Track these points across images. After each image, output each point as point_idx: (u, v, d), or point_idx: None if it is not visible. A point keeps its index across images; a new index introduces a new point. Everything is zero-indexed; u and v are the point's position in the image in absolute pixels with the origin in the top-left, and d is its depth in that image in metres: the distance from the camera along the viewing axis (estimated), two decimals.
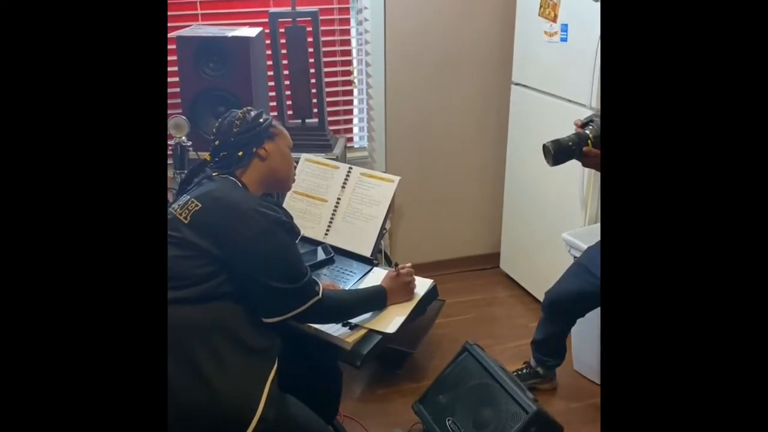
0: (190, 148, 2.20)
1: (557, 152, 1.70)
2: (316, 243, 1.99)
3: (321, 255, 1.93)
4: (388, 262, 2.87)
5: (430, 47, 2.90)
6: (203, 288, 1.42)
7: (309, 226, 2.02)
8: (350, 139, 3.01)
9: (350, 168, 2.09)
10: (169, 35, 2.39)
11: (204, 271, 1.43)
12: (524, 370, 2.33)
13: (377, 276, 1.79)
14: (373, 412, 2.26)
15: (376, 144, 2.98)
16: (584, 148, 1.71)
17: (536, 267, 2.90)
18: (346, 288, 1.79)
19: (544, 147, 1.72)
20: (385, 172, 2.45)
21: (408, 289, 1.72)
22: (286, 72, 2.58)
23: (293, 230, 1.54)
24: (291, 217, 1.54)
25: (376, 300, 1.66)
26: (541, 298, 2.28)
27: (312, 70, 2.55)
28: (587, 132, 1.72)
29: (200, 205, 1.47)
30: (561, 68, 2.50)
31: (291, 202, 2.07)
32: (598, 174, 2.27)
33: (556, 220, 2.64)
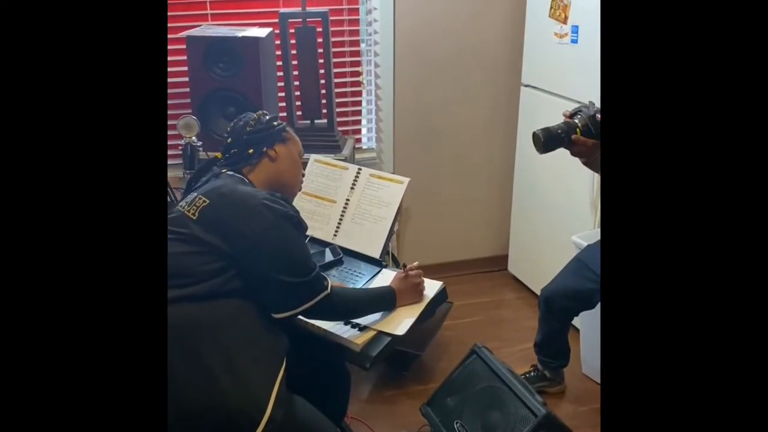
0: (200, 148, 2.20)
1: (547, 140, 1.75)
2: (324, 244, 1.98)
3: (329, 256, 1.92)
4: (396, 264, 2.87)
5: (440, 48, 2.89)
6: (211, 285, 1.41)
7: (318, 227, 2.01)
8: (359, 140, 3.00)
9: (359, 169, 2.08)
10: (179, 35, 2.40)
11: (212, 267, 1.42)
12: (532, 374, 2.32)
13: (386, 277, 1.79)
14: (381, 413, 2.26)
15: (385, 145, 2.97)
16: (573, 136, 1.76)
17: (545, 269, 2.87)
18: None
19: (534, 134, 1.76)
20: (393, 173, 2.45)
21: (417, 291, 1.71)
22: (295, 72, 2.58)
23: (300, 225, 1.54)
24: (298, 212, 1.53)
25: (385, 300, 1.66)
26: None
27: (321, 71, 2.55)
28: (576, 121, 1.78)
29: (208, 201, 1.47)
30: (571, 70, 2.49)
31: (300, 203, 2.07)
32: None
33: (565, 223, 2.63)
